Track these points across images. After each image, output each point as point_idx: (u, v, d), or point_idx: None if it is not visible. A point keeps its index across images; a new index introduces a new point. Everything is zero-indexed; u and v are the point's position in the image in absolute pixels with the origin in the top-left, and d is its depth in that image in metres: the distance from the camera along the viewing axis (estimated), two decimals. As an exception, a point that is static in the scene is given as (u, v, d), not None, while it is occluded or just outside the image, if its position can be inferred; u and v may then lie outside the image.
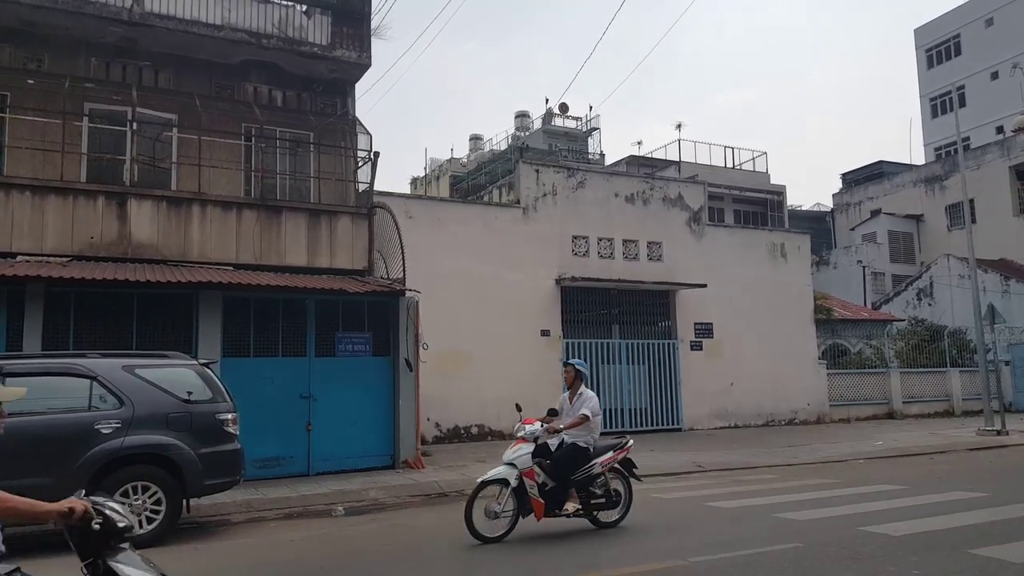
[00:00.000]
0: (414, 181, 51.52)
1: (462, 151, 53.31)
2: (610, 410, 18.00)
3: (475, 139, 54.40)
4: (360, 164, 13.64)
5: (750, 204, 39.49)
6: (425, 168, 52.93)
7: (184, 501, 7.59)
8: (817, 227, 45.02)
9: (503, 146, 47.21)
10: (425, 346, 12.26)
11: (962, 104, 46.77)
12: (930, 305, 31.64)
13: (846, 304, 30.00)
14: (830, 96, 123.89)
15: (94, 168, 11.87)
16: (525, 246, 17.23)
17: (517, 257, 17.07)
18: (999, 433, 16.55)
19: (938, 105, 48.00)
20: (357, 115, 13.96)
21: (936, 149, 47.20)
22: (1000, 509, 7.88)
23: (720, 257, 20.01)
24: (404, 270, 11.70)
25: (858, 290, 35.10)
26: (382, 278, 12.24)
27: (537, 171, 17.77)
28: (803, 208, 47.36)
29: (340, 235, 12.44)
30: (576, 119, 56.30)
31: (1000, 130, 40.67)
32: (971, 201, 35.81)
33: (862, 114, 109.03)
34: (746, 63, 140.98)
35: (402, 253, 11.70)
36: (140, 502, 7.24)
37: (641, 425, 18.34)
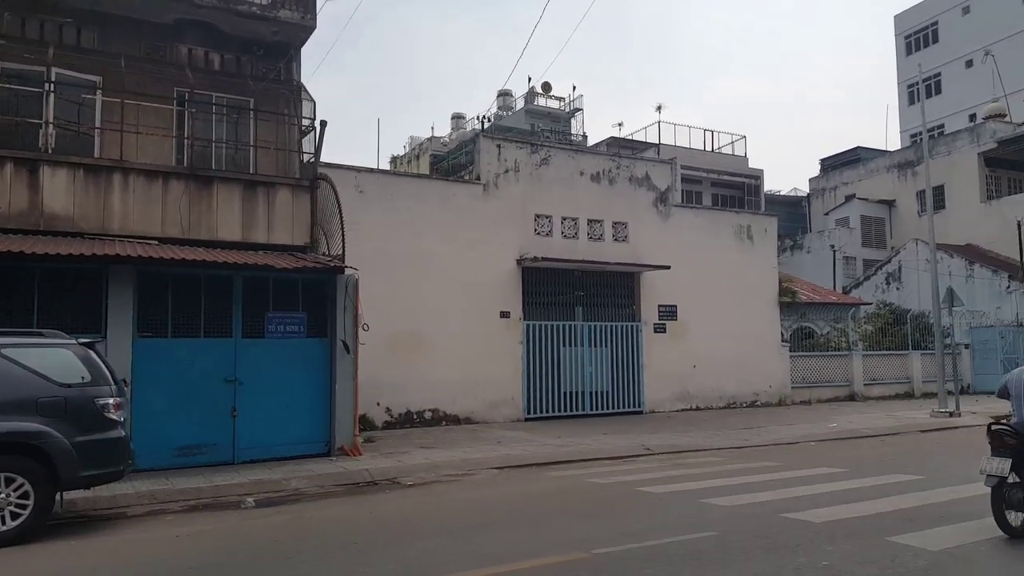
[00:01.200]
0: (394, 160, 50.97)
1: (444, 130, 52.81)
2: (571, 393, 17.95)
3: (457, 118, 53.85)
4: (305, 133, 13.25)
5: (728, 188, 39.53)
6: (405, 147, 52.41)
7: (57, 494, 7.10)
8: (793, 212, 45.19)
9: (485, 125, 46.82)
10: (365, 327, 12.00)
11: (937, 92, 46.99)
12: (898, 289, 31.90)
13: (815, 288, 30.12)
14: (821, 83, 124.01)
15: (5, 132, 11.10)
16: (485, 224, 17.01)
17: (477, 236, 16.86)
18: (951, 415, 16.73)
19: (915, 92, 48.06)
20: (302, 81, 13.48)
21: (912, 136, 47.36)
22: (931, 492, 7.89)
23: (686, 238, 19.91)
24: (344, 246, 11.42)
25: (830, 274, 35.30)
26: (324, 255, 11.94)
27: (499, 146, 17.49)
28: (781, 193, 47.47)
29: (279, 208, 12.09)
30: (559, 99, 55.80)
31: (973, 118, 40.84)
32: (940, 187, 36.27)
33: (851, 101, 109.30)
34: (738, 51, 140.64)
35: (341, 227, 11.40)
36: (3, 495, 6.71)
37: (603, 408, 18.31)
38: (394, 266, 15.96)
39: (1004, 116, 35.59)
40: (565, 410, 17.76)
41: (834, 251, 34.64)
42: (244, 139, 13.67)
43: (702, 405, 19.74)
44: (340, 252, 11.70)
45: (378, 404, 15.50)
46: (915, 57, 47.74)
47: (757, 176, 40.04)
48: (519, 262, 17.33)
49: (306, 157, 13.77)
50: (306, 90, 14.19)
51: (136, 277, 10.28)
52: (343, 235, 11.69)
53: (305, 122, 13.96)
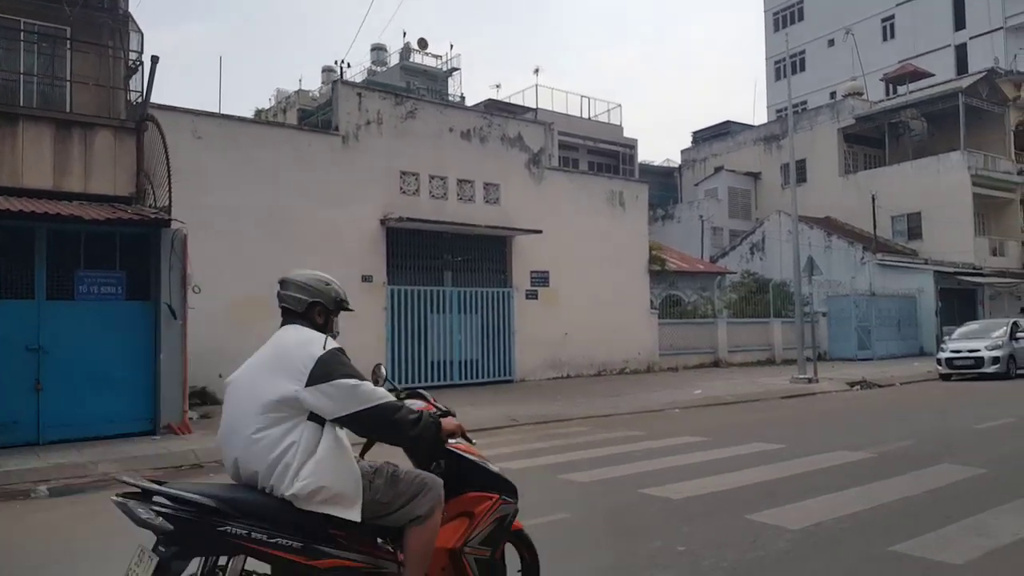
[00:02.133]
0: (259, 113, 47.72)
1: (315, 84, 49.92)
2: (439, 362, 17.10)
3: (328, 71, 51.02)
4: (134, 70, 11.53)
5: (603, 156, 39.56)
6: (270, 99, 49.20)
7: None
8: (666, 182, 46.03)
9: (359, 80, 44.51)
10: (196, 289, 10.61)
11: (802, 69, 49.02)
12: (761, 259, 33.04)
13: (684, 256, 30.66)
14: (699, 57, 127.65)
15: None
16: (345, 180, 15.71)
17: (335, 192, 15.54)
18: (810, 381, 17.16)
19: (781, 68, 49.96)
20: (130, 11, 11.71)
21: (778, 111, 49.24)
22: (791, 463, 7.59)
23: (560, 203, 19.39)
24: (170, 196, 9.95)
25: (699, 244, 36.16)
26: (150, 207, 10.40)
27: (359, 95, 16.14)
28: (655, 164, 48.23)
29: (99, 154, 10.41)
30: (437, 57, 54.07)
31: (833, 95, 42.81)
32: (803, 161, 37.76)
33: (728, 76, 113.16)
34: (618, 23, 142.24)
35: (168, 175, 9.93)
36: None
37: (472, 377, 17.59)
38: (241, 223, 14.44)
39: (862, 94, 37.43)
40: (433, 380, 16.90)
41: (702, 221, 35.44)
42: (61, 74, 11.77)
43: (573, 373, 19.43)
44: (166, 204, 10.21)
45: (221, 376, 13.97)
46: (782, 34, 49.57)
47: (632, 145, 40.32)
48: (383, 222, 16.18)
49: (135, 96, 12.03)
50: (134, 20, 12.37)
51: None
52: (170, 184, 10.20)
53: (133, 56, 12.18)
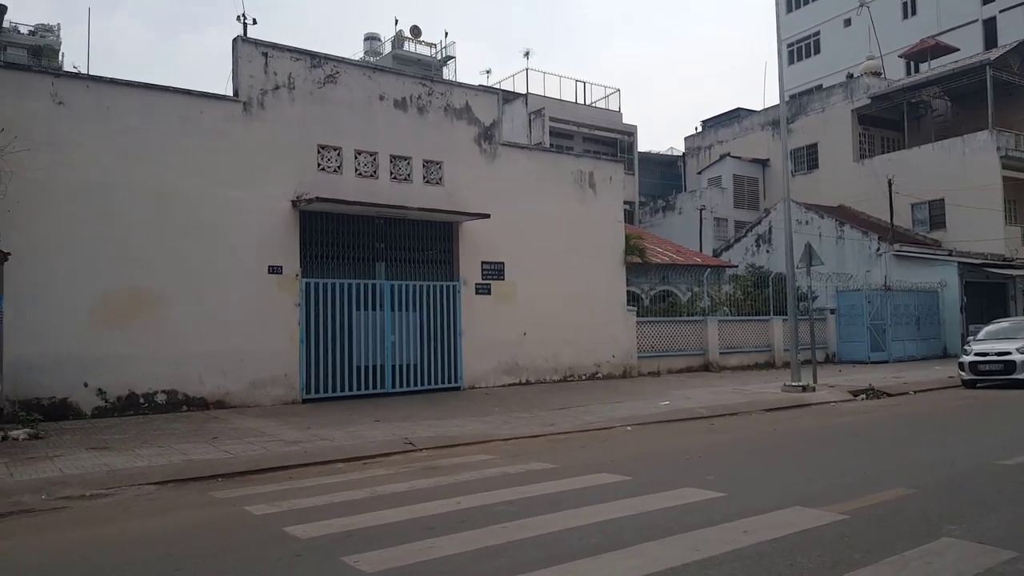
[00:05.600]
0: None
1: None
2: (368, 368, 14.68)
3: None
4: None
5: (600, 144, 36.89)
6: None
7: None
8: (669, 171, 43.28)
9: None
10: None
11: (817, 51, 45.93)
12: (768, 252, 30.24)
13: (680, 249, 28.01)
14: (711, 46, 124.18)
15: None
16: (247, 154, 13.34)
17: (235, 167, 13.19)
18: (805, 389, 14.51)
19: (795, 51, 46.93)
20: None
21: (792, 96, 46.26)
22: (714, 536, 5.03)
23: (517, 184, 16.88)
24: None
25: (703, 235, 33.42)
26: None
27: (265, 55, 13.70)
28: (658, 152, 45.48)
29: None
30: (431, 45, 51.90)
31: (850, 77, 39.73)
32: (814, 146, 34.83)
33: (742, 64, 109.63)
34: (630, 16, 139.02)
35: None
36: None
37: (410, 385, 15.15)
38: (115, 204, 12.16)
39: (879, 74, 34.44)
40: (360, 388, 14.50)
41: (701, 211, 32.71)
42: None
43: (533, 379, 16.91)
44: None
45: (86, 385, 11.74)
46: (796, 15, 46.57)
47: (631, 132, 37.66)
48: (295, 203, 13.78)
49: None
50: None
51: None
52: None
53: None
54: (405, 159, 15.31)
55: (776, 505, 5.66)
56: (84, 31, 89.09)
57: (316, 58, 14.26)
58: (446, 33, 56.62)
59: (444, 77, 45.49)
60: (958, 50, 34.25)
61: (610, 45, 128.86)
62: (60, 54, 43.74)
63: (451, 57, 49.93)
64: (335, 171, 14.40)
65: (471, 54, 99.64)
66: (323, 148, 14.27)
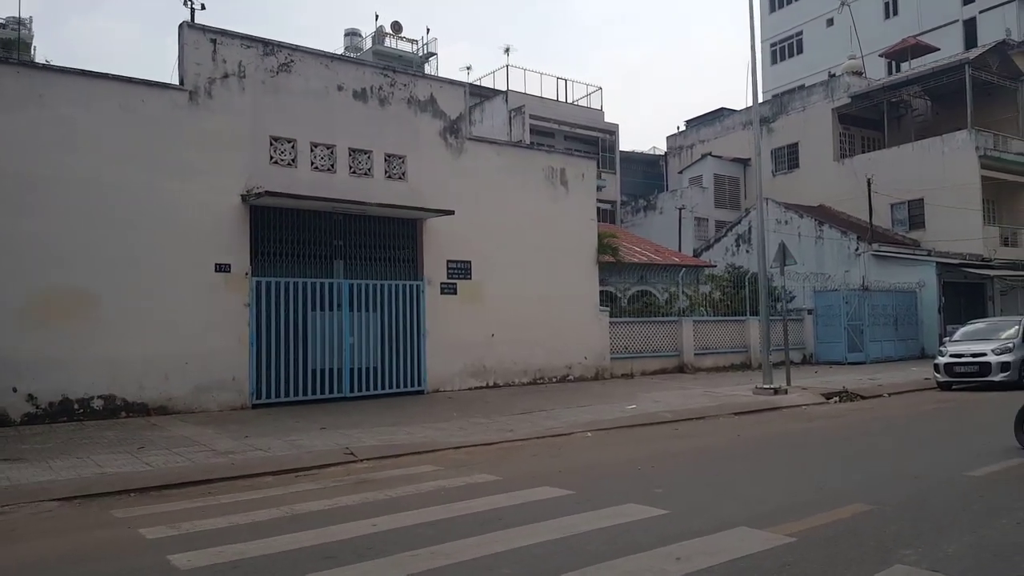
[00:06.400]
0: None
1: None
2: (325, 371, 14.07)
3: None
4: None
5: (581, 142, 36.37)
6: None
7: None
8: (651, 171, 42.85)
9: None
10: None
11: (799, 51, 45.68)
12: (747, 252, 29.81)
13: (658, 248, 27.53)
14: (696, 47, 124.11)
15: None
16: (193, 145, 12.68)
17: (179, 159, 12.53)
18: (776, 392, 14.04)
19: (777, 51, 46.70)
20: None
21: (774, 96, 45.99)
22: (647, 560, 4.50)
23: (484, 180, 16.32)
24: None
25: (683, 235, 33.00)
26: None
27: (214, 41, 13.04)
28: (640, 152, 45.04)
29: None
30: (412, 41, 51.25)
31: (832, 77, 39.46)
32: (795, 145, 34.51)
33: (728, 64, 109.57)
34: (618, 19, 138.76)
35: None
36: None
37: (370, 388, 14.55)
38: (47, 199, 11.51)
39: (860, 73, 34.14)
40: (315, 393, 13.88)
41: (680, 210, 32.27)
42: None
43: (501, 381, 16.35)
44: None
45: (15, 390, 11.08)
46: (778, 15, 46.33)
47: (613, 131, 37.15)
48: (245, 198, 13.15)
49: None
50: None
51: None
52: None
53: None
54: (365, 152, 14.71)
55: (721, 525, 5.14)
56: (69, 31, 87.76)
57: (269, 45, 13.63)
58: (428, 30, 55.90)
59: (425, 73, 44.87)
60: (939, 50, 34.02)
61: (599, 47, 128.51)
62: (32, 48, 42.75)
63: (433, 54, 49.31)
64: (289, 164, 13.79)
65: (461, 55, 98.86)
66: (276, 140, 13.65)
